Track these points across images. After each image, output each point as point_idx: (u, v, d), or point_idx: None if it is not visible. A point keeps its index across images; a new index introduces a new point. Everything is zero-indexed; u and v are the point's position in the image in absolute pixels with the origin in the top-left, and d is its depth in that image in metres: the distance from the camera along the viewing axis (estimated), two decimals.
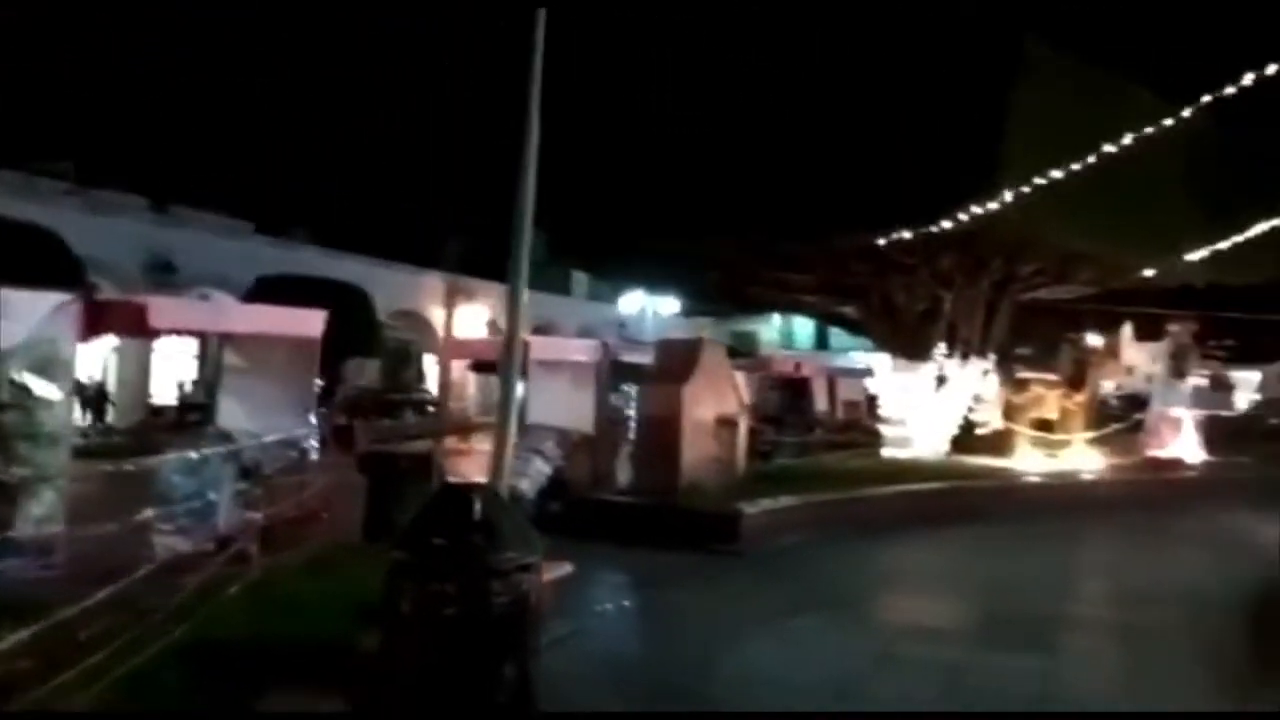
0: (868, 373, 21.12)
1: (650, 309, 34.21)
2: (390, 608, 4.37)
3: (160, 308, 8.38)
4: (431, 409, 25.38)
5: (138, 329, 8.66)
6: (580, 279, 36.90)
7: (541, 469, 11.61)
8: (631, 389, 13.46)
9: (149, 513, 6.64)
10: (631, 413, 12.96)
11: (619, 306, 35.03)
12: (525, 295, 6.37)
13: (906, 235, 14.04)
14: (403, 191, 30.92)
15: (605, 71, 14.87)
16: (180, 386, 23.45)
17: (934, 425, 17.47)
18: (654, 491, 11.34)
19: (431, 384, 29.56)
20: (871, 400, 20.65)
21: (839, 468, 15.15)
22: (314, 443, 9.46)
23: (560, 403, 12.79)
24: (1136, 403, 20.96)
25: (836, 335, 37.85)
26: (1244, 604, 8.23)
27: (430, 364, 30.72)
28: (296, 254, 25.41)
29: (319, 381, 10.92)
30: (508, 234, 6.13)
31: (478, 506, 4.40)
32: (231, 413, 8.98)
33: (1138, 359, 23.13)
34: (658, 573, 9.09)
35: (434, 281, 31.30)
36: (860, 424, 20.91)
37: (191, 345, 23.27)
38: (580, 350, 14.19)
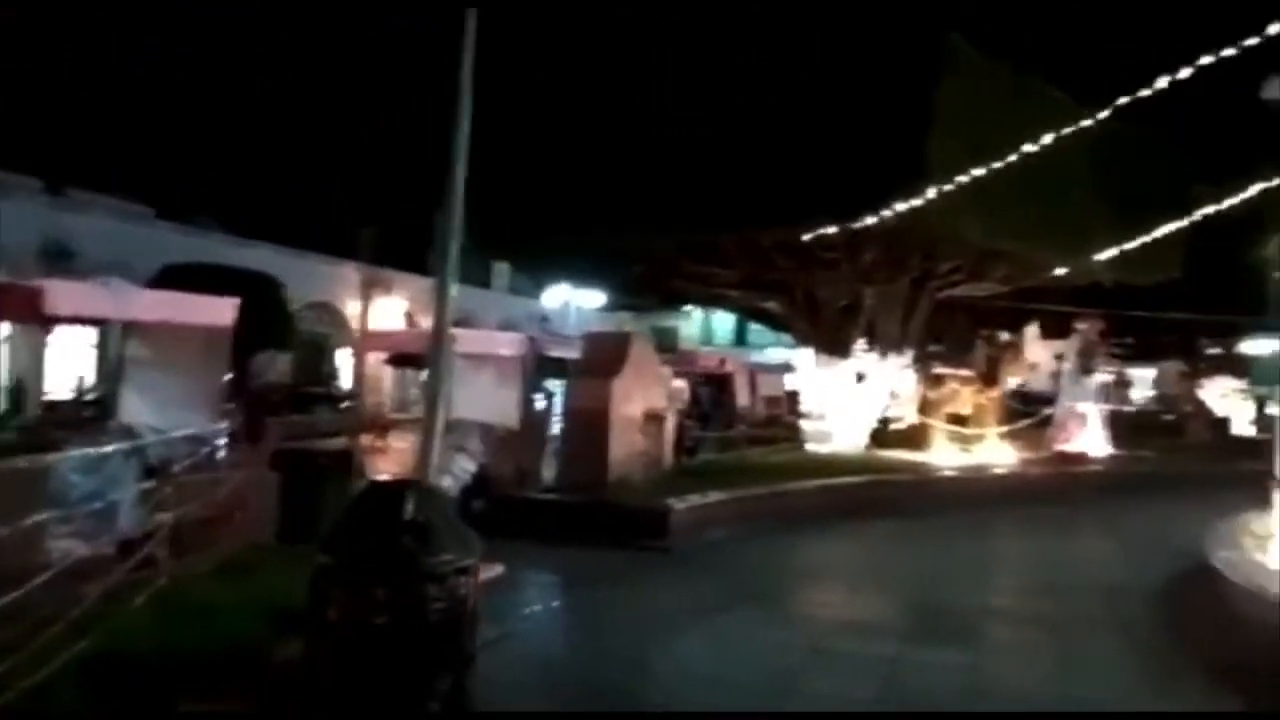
0: (787, 368, 21.34)
1: (573, 303, 33.90)
2: (315, 615, 4.11)
3: (57, 293, 7.87)
4: (346, 404, 24.67)
5: (32, 315, 8.10)
6: (501, 271, 36.36)
7: (465, 466, 11.31)
8: (555, 384, 13.27)
9: (42, 515, 6.16)
10: (556, 407, 12.77)
11: (541, 300, 34.64)
12: (455, 288, 6.17)
13: (831, 230, 14.14)
14: (316, 179, 29.96)
15: (528, 62, 14.61)
16: (79, 380, 22.25)
17: (854, 420, 17.70)
18: (581, 488, 11.17)
19: (345, 378, 28.75)
20: (792, 396, 20.88)
21: (763, 463, 15.22)
22: (224, 439, 9.01)
23: (484, 397, 12.47)
24: (1040, 399, 21.67)
25: (755, 331, 38.20)
26: (1159, 593, 8.48)
27: (345, 358, 29.88)
28: (204, 241, 24.34)
29: (228, 374, 10.41)
30: (426, 224, 5.92)
31: (409, 506, 4.17)
32: (135, 407, 8.46)
33: (1041, 356, 23.95)
34: (587, 571, 8.93)
35: (349, 272, 30.41)
36: (781, 419, 21.11)
37: (91, 335, 22.10)
38: (505, 344, 13.90)
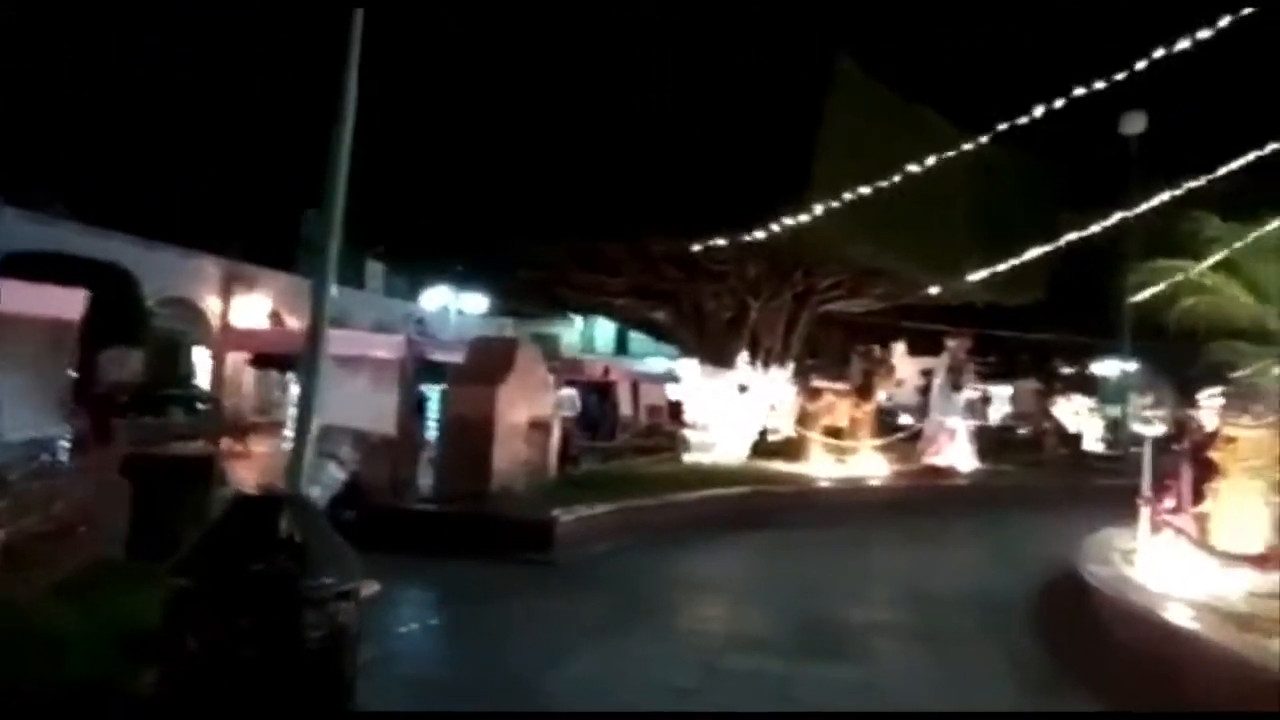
0: (670, 378, 21.35)
1: (453, 307, 33.07)
2: (171, 644, 3.64)
3: None
4: (203, 406, 23.27)
5: None
6: (375, 271, 35.15)
7: (335, 475, 10.75)
8: (433, 389, 12.77)
9: None
10: (433, 413, 12.29)
11: (418, 302, 33.66)
12: (333, 288, 5.78)
13: (719, 243, 14.17)
14: (177, 170, 28.25)
15: (419, 60, 14.11)
16: None
17: (736, 431, 17.82)
18: (462, 498, 10.74)
19: (204, 379, 27.15)
20: (674, 406, 20.89)
21: (647, 473, 15.11)
22: (67, 444, 8.23)
23: (359, 402, 11.88)
24: (907, 413, 22.44)
25: (637, 340, 38.21)
26: (1035, 606, 8.71)
27: (203, 357, 28.23)
28: (54, 230, 22.60)
29: (73, 373, 9.53)
30: (294, 219, 5.50)
31: (284, 521, 3.76)
32: None
33: (908, 372, 24.82)
34: (468, 586, 8.55)
35: (209, 267, 28.76)
36: (663, 429, 21.08)
37: None
38: (382, 346, 13.30)
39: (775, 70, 13.98)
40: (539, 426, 11.96)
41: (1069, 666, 6.79)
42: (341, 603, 3.62)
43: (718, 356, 17.95)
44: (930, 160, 12.09)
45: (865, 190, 12.32)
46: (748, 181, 13.38)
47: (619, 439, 19.78)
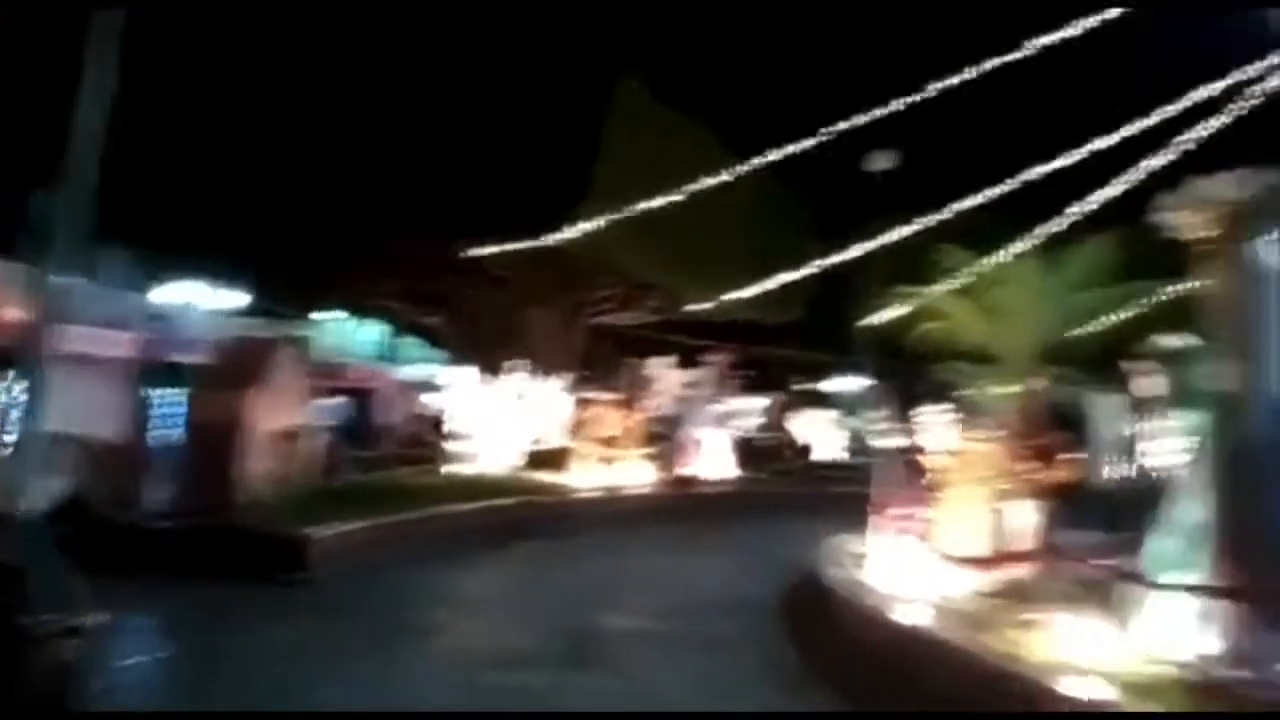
0: (436, 386, 20.79)
1: (198, 303, 30.41)
2: None
3: None
4: None
5: None
6: (107, 260, 31.76)
7: (52, 486, 9.56)
8: (172, 393, 11.67)
9: None
10: (172, 419, 11.24)
11: (158, 296, 30.71)
12: (64, 278, 5.16)
13: (498, 250, 14.00)
14: None
15: (188, 49, 12.97)
16: None
17: (508, 440, 17.64)
18: (205, 512, 9.87)
19: None
20: (441, 414, 20.36)
21: (411, 484, 14.59)
22: None
23: (82, 406, 10.64)
24: (672, 423, 23.15)
25: (403, 345, 36.88)
26: (782, 608, 9.16)
27: None
28: None
29: None
30: (18, 201, 4.96)
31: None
32: None
33: (672, 385, 25.67)
34: (210, 610, 7.86)
35: None
36: (428, 438, 20.47)
37: None
38: (110, 344, 12.00)
39: (561, 85, 14.06)
40: (294, 435, 11.23)
41: (814, 666, 7.18)
42: (67, 640, 3.18)
43: (492, 364, 17.71)
44: (703, 181, 12.53)
45: (641, 205, 12.60)
46: (528, 189, 13.35)
47: (382, 448, 18.99)
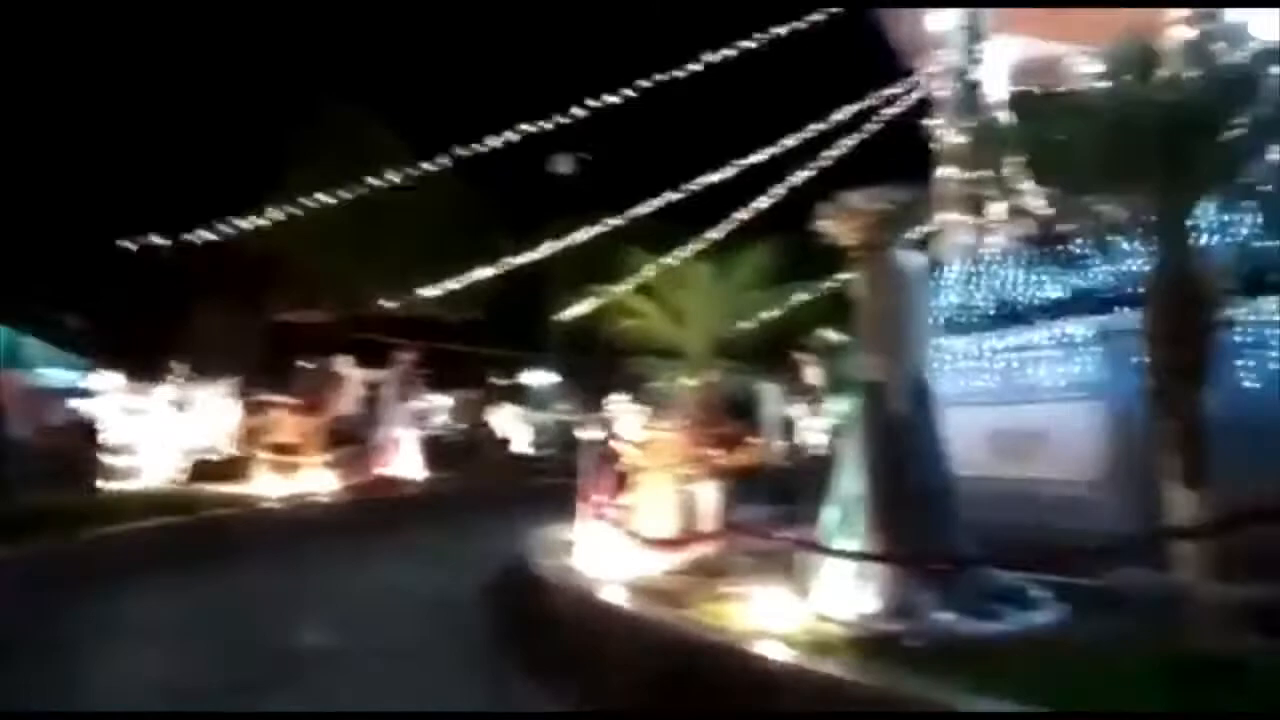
0: (83, 392, 18.43)
1: None
2: None
3: None
4: None
5: None
6: None
7: None
8: None
9: None
10: None
11: None
12: None
13: (158, 242, 12.69)
14: None
15: None
16: None
17: (170, 452, 16.06)
18: None
19: None
20: (88, 425, 18.06)
21: (51, 506, 12.78)
22: None
23: None
24: (358, 425, 22.32)
25: (30, 346, 32.18)
26: (493, 604, 9.18)
27: None
28: None
29: None
30: None
31: None
32: None
33: (354, 384, 24.75)
34: None
35: None
36: (80, 452, 18.06)
37: None
38: None
39: (253, 86, 13.13)
40: None
41: (530, 659, 7.22)
42: None
43: (145, 369, 16.01)
44: (387, 179, 12.28)
45: (325, 200, 12.07)
46: (204, 183, 12.32)
47: (14, 466, 16.44)
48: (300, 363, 20.50)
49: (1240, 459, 4.82)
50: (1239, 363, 6.59)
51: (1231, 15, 8.28)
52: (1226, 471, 4.75)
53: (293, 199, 12.29)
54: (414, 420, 20.29)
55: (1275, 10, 7.56)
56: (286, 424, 17.95)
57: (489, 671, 7.05)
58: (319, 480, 17.55)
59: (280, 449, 17.51)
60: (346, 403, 21.22)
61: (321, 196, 12.31)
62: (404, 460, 19.67)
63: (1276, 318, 6.89)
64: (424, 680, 6.83)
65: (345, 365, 20.79)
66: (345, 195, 12.24)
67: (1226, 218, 7.35)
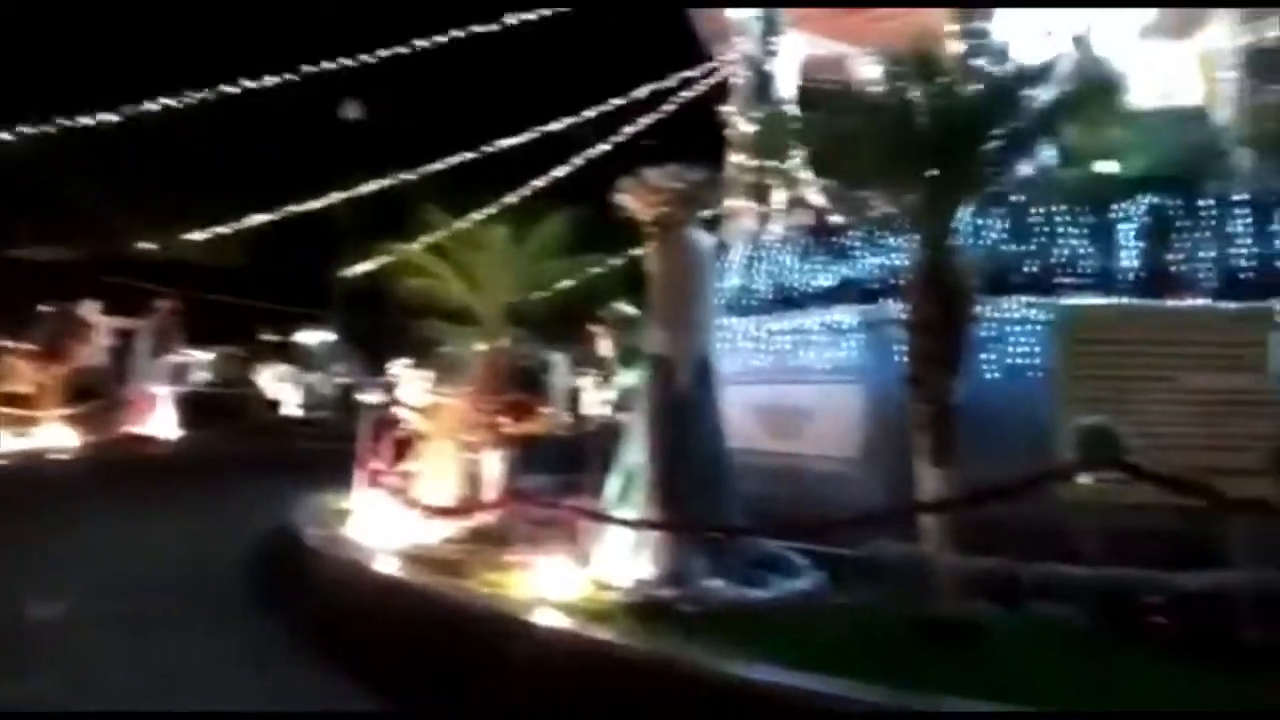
0: None
1: None
2: None
3: None
4: None
5: None
6: None
7: None
8: None
9: None
10: None
11: None
12: None
13: None
14: None
15: None
16: None
17: None
18: None
19: None
20: None
21: None
22: None
23: None
24: (106, 378, 20.44)
25: None
26: (261, 575, 8.67)
27: None
28: None
29: None
30: None
31: None
32: None
33: (102, 333, 22.61)
34: None
35: None
36: None
37: None
38: None
39: None
40: None
41: (304, 636, 6.86)
42: None
43: None
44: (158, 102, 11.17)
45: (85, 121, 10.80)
46: None
47: None
48: (40, 306, 18.51)
49: (982, 442, 5.32)
50: (982, 356, 7.24)
51: (997, 34, 9.08)
52: (970, 453, 5.23)
53: (45, 116, 10.90)
54: (170, 375, 18.79)
55: (1035, 33, 8.33)
56: (21, 373, 16.26)
57: (258, 645, 6.66)
58: (57, 436, 16.01)
59: (12, 400, 15.84)
60: (92, 352, 19.37)
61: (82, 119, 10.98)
62: (157, 418, 18.20)
63: (1015, 316, 7.62)
64: (191, 655, 6.37)
65: (92, 311, 18.97)
66: (107, 118, 10.99)
67: (980, 222, 8.06)
